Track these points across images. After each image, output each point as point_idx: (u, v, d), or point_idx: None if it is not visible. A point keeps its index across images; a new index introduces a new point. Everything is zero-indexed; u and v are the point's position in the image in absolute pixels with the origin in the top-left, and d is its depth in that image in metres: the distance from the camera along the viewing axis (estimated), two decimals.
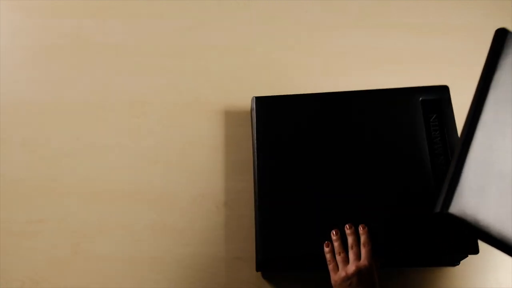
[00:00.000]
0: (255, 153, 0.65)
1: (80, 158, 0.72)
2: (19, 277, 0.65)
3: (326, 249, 0.56)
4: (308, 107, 0.67)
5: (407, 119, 0.64)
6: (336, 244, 0.56)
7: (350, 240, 0.55)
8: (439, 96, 0.65)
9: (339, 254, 0.54)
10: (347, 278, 0.52)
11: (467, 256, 0.60)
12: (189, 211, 0.69)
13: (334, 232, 0.57)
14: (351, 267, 0.52)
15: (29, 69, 0.78)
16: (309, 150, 0.64)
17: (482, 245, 0.60)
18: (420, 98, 0.65)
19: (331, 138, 0.64)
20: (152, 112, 0.75)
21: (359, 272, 0.51)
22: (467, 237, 0.55)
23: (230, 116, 0.75)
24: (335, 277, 0.53)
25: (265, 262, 0.60)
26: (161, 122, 0.75)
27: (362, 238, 0.54)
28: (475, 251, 0.56)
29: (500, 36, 0.51)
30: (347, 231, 0.56)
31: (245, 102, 0.76)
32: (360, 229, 0.56)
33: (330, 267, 0.54)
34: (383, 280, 0.57)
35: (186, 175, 0.71)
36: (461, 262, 0.64)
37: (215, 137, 0.74)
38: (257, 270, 0.63)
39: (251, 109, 0.70)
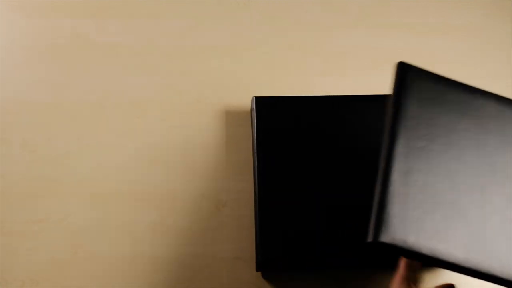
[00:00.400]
0: (255, 153, 0.65)
1: (80, 158, 0.72)
2: (19, 277, 0.65)
3: None
4: (308, 109, 0.67)
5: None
6: None
7: None
8: None
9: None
10: None
11: None
12: (189, 211, 0.69)
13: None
14: None
15: (29, 69, 0.78)
16: (309, 151, 0.64)
17: None
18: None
19: (331, 139, 0.64)
20: (152, 112, 0.75)
21: None
22: None
23: (230, 116, 0.75)
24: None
25: (265, 262, 0.60)
26: (161, 122, 0.75)
27: None
28: None
29: (402, 69, 0.54)
30: None
31: (245, 102, 0.76)
32: None
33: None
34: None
35: (186, 175, 0.71)
36: None
37: (215, 137, 0.74)
38: (257, 270, 0.63)
39: (251, 109, 0.70)
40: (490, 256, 0.45)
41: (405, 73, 0.54)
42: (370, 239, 0.44)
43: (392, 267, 0.64)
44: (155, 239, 0.67)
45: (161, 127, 0.74)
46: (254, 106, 0.68)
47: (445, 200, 0.47)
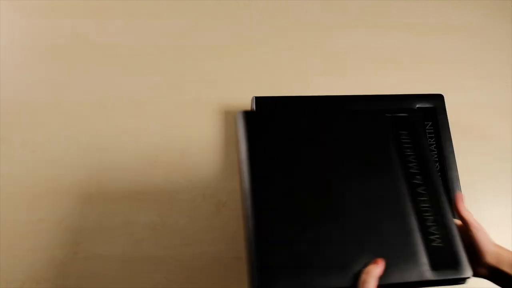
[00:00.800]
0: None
1: (80, 158, 0.72)
2: (19, 277, 0.65)
3: None
4: (307, 109, 0.66)
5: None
6: None
7: None
8: (434, 104, 0.65)
9: None
10: None
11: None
12: (189, 211, 0.69)
13: None
14: None
15: (29, 69, 0.78)
16: (308, 151, 0.62)
17: None
18: (417, 106, 0.65)
19: (330, 140, 0.63)
20: (152, 112, 0.75)
21: None
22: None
23: (230, 116, 0.75)
24: None
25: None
26: (161, 122, 0.75)
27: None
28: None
29: (246, 117, 0.55)
30: None
31: (245, 102, 0.76)
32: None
33: None
34: None
35: (186, 175, 0.71)
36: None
37: (215, 137, 0.74)
38: None
39: (251, 109, 0.70)
40: (346, 271, 0.47)
41: (249, 119, 0.55)
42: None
43: None
44: (155, 239, 0.67)
45: (161, 127, 0.74)
46: (254, 106, 0.68)
47: (301, 234, 0.48)
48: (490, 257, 0.50)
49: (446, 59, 0.80)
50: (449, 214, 0.52)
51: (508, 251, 0.50)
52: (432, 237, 0.51)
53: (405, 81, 0.78)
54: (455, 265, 0.49)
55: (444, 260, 0.49)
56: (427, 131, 0.65)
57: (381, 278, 0.46)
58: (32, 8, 0.83)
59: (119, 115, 0.75)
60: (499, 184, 0.71)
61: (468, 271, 0.48)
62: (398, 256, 0.49)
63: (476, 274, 0.50)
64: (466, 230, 0.51)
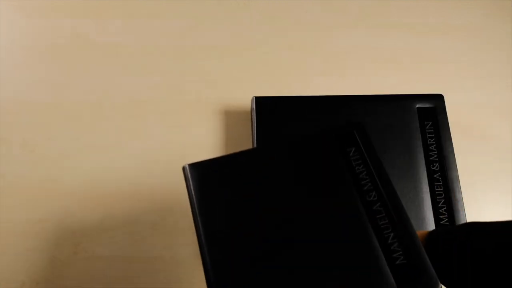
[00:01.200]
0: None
1: (80, 158, 0.72)
2: (19, 277, 0.65)
3: None
4: (307, 109, 0.67)
5: (403, 124, 0.65)
6: None
7: None
8: (434, 104, 0.67)
9: None
10: None
11: None
12: (189, 211, 0.69)
13: None
14: None
15: (29, 69, 0.78)
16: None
17: None
18: (417, 106, 0.66)
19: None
20: (152, 112, 0.75)
21: None
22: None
23: (230, 116, 0.75)
24: None
25: None
26: (161, 122, 0.75)
27: None
28: None
29: (189, 172, 0.54)
30: None
31: (245, 102, 0.76)
32: None
33: None
34: None
35: None
36: None
37: (215, 137, 0.74)
38: None
39: (251, 109, 0.70)
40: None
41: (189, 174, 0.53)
42: None
43: None
44: (155, 239, 0.67)
45: (161, 127, 0.74)
46: (254, 106, 0.68)
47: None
48: None
49: (446, 59, 0.80)
50: (408, 226, 0.49)
51: None
52: (395, 255, 0.48)
53: (405, 81, 0.78)
54: (420, 278, 0.46)
55: (410, 276, 0.47)
56: (427, 131, 0.65)
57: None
58: (32, 8, 0.84)
59: (119, 115, 0.75)
60: (499, 184, 0.71)
61: (433, 281, 0.46)
62: (364, 282, 0.47)
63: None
64: None
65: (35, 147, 0.73)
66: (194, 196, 0.54)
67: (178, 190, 0.70)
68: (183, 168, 0.57)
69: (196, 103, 0.76)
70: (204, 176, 0.56)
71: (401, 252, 0.48)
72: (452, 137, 0.72)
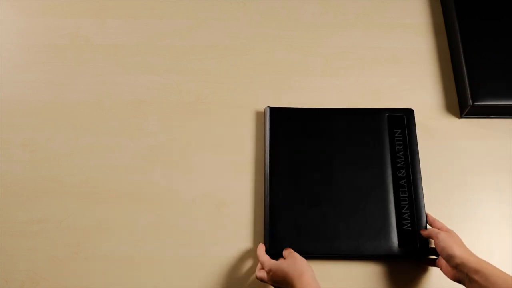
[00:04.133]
0: (267, 156, 0.70)
1: (80, 158, 0.72)
2: (19, 277, 0.65)
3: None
4: (315, 119, 0.72)
5: (378, 133, 0.71)
6: None
7: None
8: (405, 115, 0.73)
9: None
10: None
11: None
12: (189, 211, 0.69)
13: None
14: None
15: (29, 69, 0.78)
16: (313, 155, 0.70)
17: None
18: (387, 114, 0.73)
19: (333, 145, 0.71)
20: (152, 112, 0.75)
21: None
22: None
23: (230, 115, 0.75)
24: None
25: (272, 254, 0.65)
26: (161, 122, 0.75)
27: None
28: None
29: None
30: None
31: (245, 102, 0.76)
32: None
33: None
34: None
35: (186, 175, 0.71)
36: None
37: (215, 137, 0.74)
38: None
39: (264, 118, 0.74)
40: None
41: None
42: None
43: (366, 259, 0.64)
44: (155, 239, 0.67)
45: (161, 127, 0.74)
46: (268, 116, 0.72)
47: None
48: (458, 261, 0.55)
49: (446, 59, 0.80)
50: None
51: (475, 257, 0.55)
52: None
53: (405, 81, 0.78)
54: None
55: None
56: (395, 138, 0.71)
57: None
58: (32, 8, 0.84)
59: (119, 115, 0.75)
60: (500, 183, 0.71)
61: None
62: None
63: (452, 278, 0.58)
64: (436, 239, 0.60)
65: (35, 147, 0.73)
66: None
67: (178, 190, 0.70)
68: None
69: (196, 103, 0.76)
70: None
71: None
72: (453, 137, 0.73)
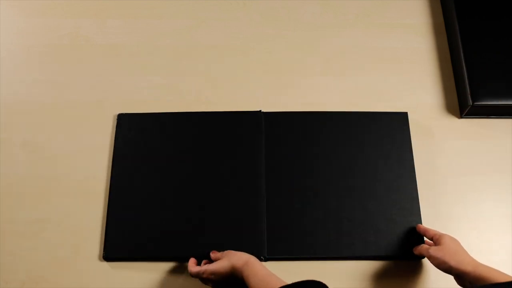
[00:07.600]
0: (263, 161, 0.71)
1: (80, 158, 0.72)
2: (19, 277, 0.65)
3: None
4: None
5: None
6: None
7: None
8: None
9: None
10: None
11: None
12: None
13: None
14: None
15: (29, 69, 0.78)
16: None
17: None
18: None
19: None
20: (152, 112, 0.75)
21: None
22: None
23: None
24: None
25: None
26: None
27: None
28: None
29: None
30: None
31: (245, 102, 0.76)
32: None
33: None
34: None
35: None
36: None
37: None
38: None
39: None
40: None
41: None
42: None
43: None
44: None
45: None
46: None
47: None
48: (455, 272, 0.55)
49: (446, 58, 0.80)
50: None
51: (471, 264, 0.54)
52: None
53: (405, 81, 0.78)
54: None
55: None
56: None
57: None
58: (32, 8, 0.84)
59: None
60: (499, 183, 0.71)
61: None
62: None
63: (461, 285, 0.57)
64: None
65: (35, 147, 0.73)
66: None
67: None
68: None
69: (196, 103, 0.76)
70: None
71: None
72: (454, 136, 0.73)
